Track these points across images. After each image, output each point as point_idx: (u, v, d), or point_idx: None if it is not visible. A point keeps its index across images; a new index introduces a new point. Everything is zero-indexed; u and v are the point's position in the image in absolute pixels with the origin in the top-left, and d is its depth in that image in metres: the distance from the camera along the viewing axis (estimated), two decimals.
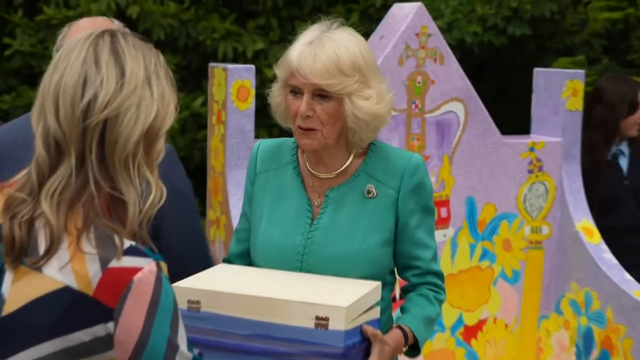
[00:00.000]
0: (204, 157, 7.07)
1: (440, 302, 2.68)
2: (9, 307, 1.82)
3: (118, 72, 1.84)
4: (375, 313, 2.49)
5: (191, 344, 2.31)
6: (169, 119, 1.91)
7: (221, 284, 2.41)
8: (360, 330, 2.37)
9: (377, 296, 2.49)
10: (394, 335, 2.51)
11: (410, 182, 2.60)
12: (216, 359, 2.34)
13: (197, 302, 2.35)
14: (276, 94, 2.62)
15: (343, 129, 2.57)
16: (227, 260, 2.76)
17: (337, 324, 2.25)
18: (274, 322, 2.28)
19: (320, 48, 2.48)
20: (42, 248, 1.80)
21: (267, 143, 2.76)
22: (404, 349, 2.55)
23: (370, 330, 2.39)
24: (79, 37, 1.90)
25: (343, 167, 2.63)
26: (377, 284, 2.49)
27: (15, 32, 7.69)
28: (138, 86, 1.85)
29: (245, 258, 2.73)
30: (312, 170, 2.65)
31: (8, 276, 1.83)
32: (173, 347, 1.82)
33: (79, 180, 1.82)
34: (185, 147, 7.58)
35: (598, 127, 4.83)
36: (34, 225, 1.82)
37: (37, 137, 1.86)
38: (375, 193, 2.61)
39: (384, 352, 2.43)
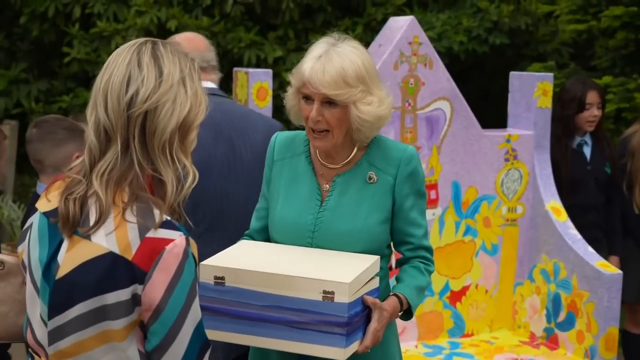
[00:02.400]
0: None
1: (430, 272, 2.68)
2: (62, 271, 1.84)
3: (157, 72, 1.87)
4: (375, 283, 2.50)
5: (218, 313, 2.31)
6: (201, 114, 1.94)
7: (243, 261, 2.41)
8: (361, 300, 2.39)
9: (376, 269, 2.51)
10: (391, 302, 2.51)
11: (405, 170, 2.60)
12: (239, 326, 2.37)
13: (222, 278, 2.37)
14: (290, 98, 2.62)
15: (349, 129, 2.56)
16: (249, 235, 2.76)
17: (342, 297, 2.27)
18: (288, 295, 2.31)
19: (328, 62, 2.48)
20: (92, 220, 1.83)
21: (283, 135, 2.75)
22: (399, 314, 2.55)
23: (370, 299, 2.42)
24: (125, 45, 1.94)
25: (348, 159, 2.62)
26: (375, 258, 2.50)
27: (73, 42, 7.70)
28: (174, 84, 1.88)
29: (264, 233, 2.73)
30: (322, 161, 2.65)
31: (64, 245, 1.86)
32: (183, 316, 1.82)
33: (124, 163, 1.85)
34: None
35: (557, 122, 4.80)
36: (87, 202, 1.85)
37: (90, 127, 1.90)
38: (375, 179, 2.60)
39: (382, 317, 2.44)
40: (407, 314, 2.60)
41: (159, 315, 1.80)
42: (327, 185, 2.63)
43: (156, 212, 1.82)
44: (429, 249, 2.67)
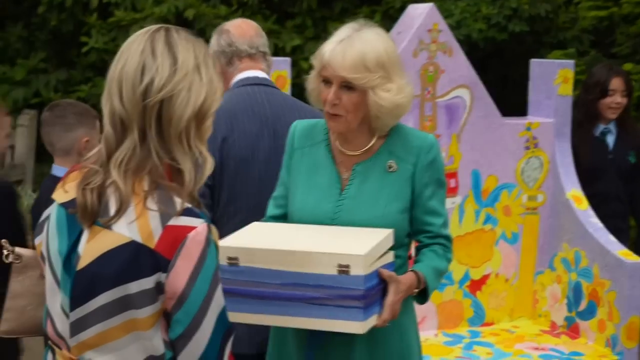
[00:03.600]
0: None
1: (448, 259, 2.65)
2: (83, 262, 1.83)
3: (171, 60, 1.84)
4: (390, 257, 2.47)
5: (233, 294, 2.29)
6: (217, 101, 1.91)
7: (256, 241, 2.40)
8: (377, 273, 2.36)
9: (390, 242, 2.48)
10: (408, 276, 2.50)
11: (425, 159, 2.58)
12: (255, 306, 2.35)
13: (236, 258, 2.35)
14: (311, 81, 2.60)
15: (366, 115, 2.53)
16: (265, 222, 2.73)
17: (357, 270, 2.24)
18: (303, 271, 2.28)
19: (349, 46, 2.46)
20: (112, 210, 1.81)
21: (303, 123, 2.74)
22: (415, 291, 2.52)
23: (386, 272, 2.39)
24: (138, 32, 1.91)
25: (368, 146, 2.60)
26: (389, 231, 2.47)
27: (91, 32, 7.71)
28: (189, 72, 1.85)
29: (280, 220, 2.71)
30: (341, 148, 2.63)
31: (84, 236, 1.84)
32: (206, 304, 1.80)
33: (142, 152, 1.83)
34: None
35: (580, 108, 4.76)
36: (105, 191, 1.83)
37: (105, 117, 1.87)
38: (395, 168, 2.58)
39: (398, 290, 2.41)
40: (422, 296, 2.56)
41: (183, 304, 1.79)
42: (347, 174, 2.61)
43: (177, 199, 1.81)
44: (448, 238, 2.65)
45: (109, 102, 1.85)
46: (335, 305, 2.27)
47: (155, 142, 1.83)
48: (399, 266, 2.58)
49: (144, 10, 7.58)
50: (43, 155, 8.04)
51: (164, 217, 1.79)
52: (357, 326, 2.28)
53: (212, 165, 1.89)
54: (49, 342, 1.97)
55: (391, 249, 2.52)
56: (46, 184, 3.59)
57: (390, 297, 2.39)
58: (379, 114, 2.52)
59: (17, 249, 2.13)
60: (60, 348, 1.91)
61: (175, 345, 1.83)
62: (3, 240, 2.14)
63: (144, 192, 1.81)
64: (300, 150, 2.69)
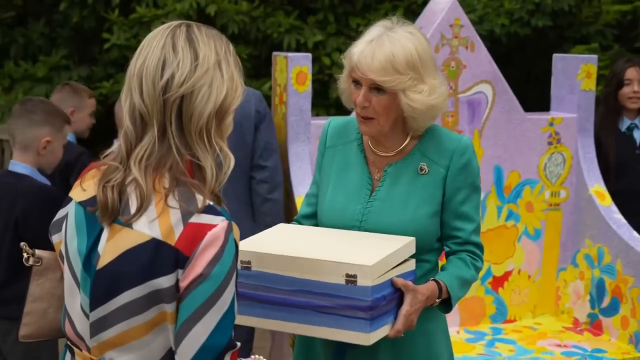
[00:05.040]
0: None
1: (477, 268, 2.58)
2: (103, 261, 1.81)
3: (192, 56, 1.83)
4: (410, 266, 2.43)
5: (244, 297, 2.27)
6: (237, 98, 1.89)
7: (269, 246, 2.39)
8: (390, 282, 2.32)
9: (411, 250, 2.43)
10: (429, 285, 2.43)
11: (458, 162, 2.52)
12: (265, 311, 2.35)
13: (248, 262, 2.35)
14: (343, 81, 2.57)
15: (398, 117, 2.50)
16: (297, 221, 2.74)
17: (365, 281, 2.22)
18: (312, 279, 2.27)
19: (379, 47, 2.42)
20: (133, 207, 1.79)
21: (336, 121, 2.71)
22: (437, 301, 2.46)
23: (400, 281, 2.34)
24: (159, 28, 1.90)
25: (401, 147, 2.56)
26: (410, 239, 2.43)
27: (113, 28, 7.73)
28: (210, 68, 1.83)
29: (312, 219, 2.70)
30: (373, 149, 2.59)
31: (104, 235, 1.83)
32: (217, 294, 1.76)
33: (162, 148, 1.81)
34: None
35: (602, 103, 4.74)
36: (126, 189, 1.81)
37: (125, 112, 1.86)
38: (427, 170, 2.54)
39: (416, 300, 2.36)
40: (446, 305, 2.51)
41: (195, 289, 1.75)
42: (378, 175, 2.58)
43: (198, 197, 1.79)
44: (478, 246, 2.58)
45: (129, 97, 1.84)
46: (342, 315, 2.25)
47: (176, 138, 1.81)
48: (428, 271, 2.54)
49: (165, 6, 7.58)
50: None
51: (185, 215, 1.77)
52: (363, 337, 2.26)
53: (232, 162, 1.87)
54: (67, 342, 1.95)
55: (420, 253, 2.49)
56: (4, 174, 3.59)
57: (406, 307, 2.34)
58: (414, 115, 2.47)
59: (38, 252, 2.12)
60: (80, 349, 1.89)
61: (175, 340, 1.79)
62: (22, 243, 2.13)
63: (164, 189, 1.79)
64: (333, 148, 2.66)
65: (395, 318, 2.35)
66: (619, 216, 4.43)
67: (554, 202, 4.59)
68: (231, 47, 1.93)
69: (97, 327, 1.83)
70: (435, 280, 2.46)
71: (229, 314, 1.79)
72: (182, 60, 1.82)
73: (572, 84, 4.58)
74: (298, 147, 4.16)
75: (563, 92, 4.65)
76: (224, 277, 1.77)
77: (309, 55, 4.25)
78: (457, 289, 2.49)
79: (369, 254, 2.29)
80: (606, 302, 4.43)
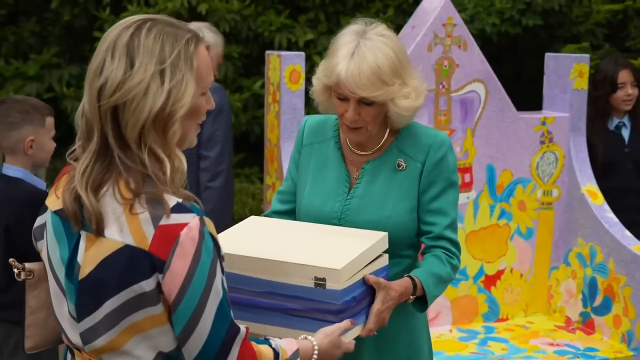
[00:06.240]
0: (262, 131, 7.04)
1: (453, 266, 2.52)
2: (84, 271, 1.79)
3: (127, 64, 1.75)
4: (383, 261, 2.36)
5: None
6: (184, 106, 1.78)
7: (239, 246, 2.31)
8: (362, 282, 2.25)
9: (384, 246, 2.36)
10: (402, 282, 2.37)
11: (434, 156, 2.50)
12: (234, 312, 2.26)
13: None
14: (319, 93, 2.52)
15: (384, 118, 2.48)
16: (267, 216, 2.67)
17: (333, 284, 2.15)
18: (281, 281, 2.20)
19: (362, 61, 2.36)
20: (92, 221, 1.76)
21: (313, 119, 2.69)
22: (412, 297, 2.40)
23: (372, 279, 2.27)
24: (117, 23, 1.82)
25: (379, 145, 2.55)
26: (383, 234, 2.35)
27: (104, 27, 7.68)
28: (145, 78, 1.75)
29: (285, 216, 2.65)
30: (351, 147, 2.58)
31: (82, 245, 1.80)
32: (204, 301, 1.76)
33: (105, 158, 1.77)
34: (247, 123, 7.58)
35: (591, 103, 4.73)
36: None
37: (78, 111, 1.82)
38: (404, 166, 2.52)
39: (388, 297, 2.30)
40: (421, 303, 2.46)
41: (179, 304, 1.75)
42: (356, 172, 2.56)
43: (164, 198, 1.75)
44: (452, 241, 2.53)
45: (84, 97, 1.81)
46: (312, 318, 2.19)
47: (118, 148, 1.76)
48: (408, 266, 2.52)
49: (156, 5, 7.56)
50: (55, 150, 8.04)
51: (155, 218, 1.73)
52: None
53: (184, 166, 1.81)
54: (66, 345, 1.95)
55: (399, 249, 2.46)
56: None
57: (377, 306, 2.28)
58: (401, 121, 2.47)
59: (27, 265, 2.09)
60: (79, 350, 1.88)
61: (179, 343, 1.80)
62: (11, 260, 2.10)
63: (126, 199, 1.74)
64: (310, 146, 2.63)
65: (367, 317, 2.29)
66: (611, 215, 4.43)
67: (546, 201, 4.59)
68: (192, 47, 1.82)
69: (87, 336, 1.82)
70: (409, 276, 2.41)
71: (224, 301, 1.79)
72: (116, 68, 1.75)
73: (564, 83, 4.58)
74: (291, 145, 4.14)
75: (555, 92, 4.65)
76: (208, 272, 1.76)
77: (302, 54, 4.25)
78: (432, 287, 2.43)
79: (339, 254, 2.22)
80: (598, 300, 4.43)
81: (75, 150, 1.85)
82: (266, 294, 2.21)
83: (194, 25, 4.78)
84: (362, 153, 2.56)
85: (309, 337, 2.08)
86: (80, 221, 1.79)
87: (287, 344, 1.99)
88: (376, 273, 2.32)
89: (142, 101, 1.75)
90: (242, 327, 1.85)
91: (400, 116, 2.45)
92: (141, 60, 1.76)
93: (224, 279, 1.82)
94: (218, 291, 1.78)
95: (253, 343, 1.89)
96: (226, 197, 4.49)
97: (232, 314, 1.83)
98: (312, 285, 2.17)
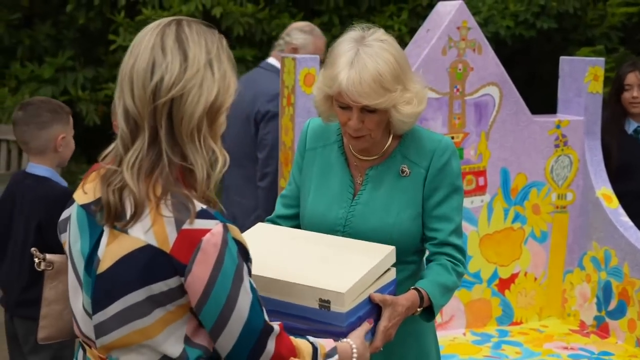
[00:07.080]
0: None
1: (458, 274, 2.51)
2: (103, 266, 1.81)
3: (182, 57, 1.79)
4: (391, 275, 2.35)
5: None
6: (230, 96, 1.85)
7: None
8: (368, 300, 2.25)
9: (391, 261, 2.35)
10: (408, 295, 2.37)
11: (438, 162, 2.49)
12: None
13: None
14: (320, 103, 2.51)
15: (387, 123, 2.47)
16: (271, 220, 2.67)
17: (338, 307, 2.15)
18: (287, 301, 2.20)
19: (363, 69, 2.34)
20: (128, 213, 1.79)
21: (315, 122, 2.66)
22: (419, 310, 2.40)
23: (378, 297, 2.26)
24: (149, 26, 1.86)
25: (383, 150, 2.53)
26: (390, 249, 2.34)
27: (119, 30, 7.73)
28: (200, 69, 1.80)
29: (288, 221, 2.64)
30: (355, 152, 2.56)
31: (104, 239, 1.83)
32: (231, 304, 1.78)
33: (152, 153, 1.79)
34: None
35: (607, 105, 4.74)
36: (124, 193, 1.81)
37: (119, 116, 1.84)
38: (408, 172, 2.51)
39: (395, 314, 2.30)
40: (428, 313, 2.45)
41: (202, 307, 1.78)
42: (360, 178, 2.54)
43: (190, 202, 1.77)
44: (457, 247, 2.52)
45: (122, 100, 1.82)
46: (318, 338, 2.16)
47: (166, 142, 1.79)
48: (413, 272, 2.52)
49: (171, 8, 7.59)
50: None
51: (178, 222, 1.75)
52: None
53: (226, 163, 1.84)
54: (80, 339, 1.97)
55: (404, 256, 2.44)
56: (16, 179, 3.58)
57: (383, 323, 2.28)
58: (404, 128, 2.47)
59: (48, 256, 2.12)
60: (89, 346, 1.90)
61: (211, 338, 1.84)
62: (33, 249, 2.13)
63: (156, 197, 1.77)
64: (313, 151, 2.62)
65: (374, 334, 2.28)
66: (626, 219, 4.41)
67: (561, 204, 4.58)
68: (224, 42, 1.88)
69: (99, 330, 1.84)
70: (415, 288, 2.40)
71: (254, 301, 1.82)
72: (171, 62, 1.79)
73: (579, 87, 4.57)
74: None
75: (570, 95, 4.63)
76: (233, 277, 1.78)
77: (317, 57, 4.24)
78: (439, 297, 2.43)
79: (345, 274, 2.21)
80: (613, 304, 4.41)
81: (107, 154, 1.88)
82: (273, 312, 2.19)
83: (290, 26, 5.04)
84: (366, 158, 2.55)
85: (344, 340, 2.11)
86: (116, 216, 1.80)
87: (324, 340, 2.03)
88: (383, 288, 2.31)
89: (199, 91, 1.79)
90: (276, 325, 1.88)
91: (402, 123, 2.44)
92: (194, 52, 1.80)
93: (252, 281, 1.84)
94: (247, 292, 1.81)
95: (291, 338, 1.92)
96: (271, 197, 4.61)
97: (265, 314, 1.86)
98: (317, 306, 2.17)
